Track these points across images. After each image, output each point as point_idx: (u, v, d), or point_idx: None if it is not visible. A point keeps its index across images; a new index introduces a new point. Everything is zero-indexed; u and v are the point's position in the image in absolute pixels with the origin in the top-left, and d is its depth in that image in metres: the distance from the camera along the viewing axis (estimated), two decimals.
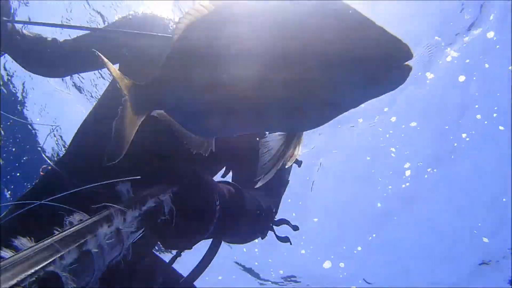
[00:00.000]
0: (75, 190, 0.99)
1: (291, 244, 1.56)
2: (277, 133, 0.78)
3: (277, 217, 1.60)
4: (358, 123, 7.50)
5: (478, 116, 7.26)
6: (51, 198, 0.85)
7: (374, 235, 9.32)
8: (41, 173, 1.52)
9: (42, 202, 0.87)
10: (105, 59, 0.93)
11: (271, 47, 0.65)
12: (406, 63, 0.62)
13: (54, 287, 0.50)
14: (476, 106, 7.18)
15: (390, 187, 8.53)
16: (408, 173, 8.20)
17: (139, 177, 1.13)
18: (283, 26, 0.65)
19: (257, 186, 0.82)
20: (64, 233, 0.60)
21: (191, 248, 1.37)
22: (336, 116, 0.70)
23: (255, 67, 0.66)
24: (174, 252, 1.71)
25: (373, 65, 0.61)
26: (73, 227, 0.65)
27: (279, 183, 1.67)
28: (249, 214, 1.37)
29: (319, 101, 0.66)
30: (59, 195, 0.90)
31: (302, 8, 0.65)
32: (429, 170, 8.11)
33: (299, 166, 1.77)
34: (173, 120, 0.93)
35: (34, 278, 0.47)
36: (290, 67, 0.64)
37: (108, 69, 0.94)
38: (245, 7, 0.68)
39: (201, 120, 0.84)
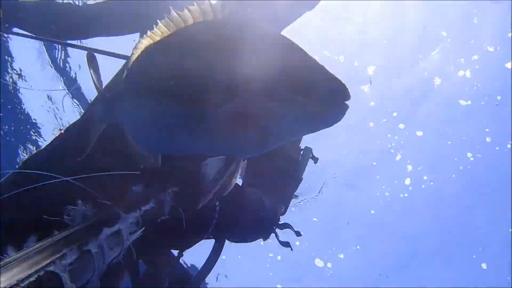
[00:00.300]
0: (78, 177, 1.02)
1: (291, 249, 1.56)
2: (217, 157, 0.80)
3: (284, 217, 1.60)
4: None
5: None
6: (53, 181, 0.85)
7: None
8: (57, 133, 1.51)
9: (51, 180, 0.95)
10: (96, 66, 1.04)
11: (217, 73, 0.68)
12: (344, 102, 0.66)
13: (54, 287, 0.50)
14: None
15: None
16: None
17: (138, 172, 1.14)
18: (232, 53, 0.68)
19: (198, 207, 0.84)
20: (65, 233, 0.61)
21: (191, 247, 1.37)
22: (274, 145, 0.74)
23: (199, 93, 0.69)
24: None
25: (314, 102, 0.65)
26: (73, 227, 0.66)
27: (292, 181, 1.65)
28: (251, 215, 1.37)
29: (259, 130, 0.69)
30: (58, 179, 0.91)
31: (252, 36, 0.69)
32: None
33: (316, 162, 1.73)
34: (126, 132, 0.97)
35: (34, 278, 0.47)
36: (234, 94, 0.66)
37: (93, 73, 1.02)
38: (203, 32, 0.73)
39: (146, 136, 0.88)
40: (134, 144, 0.94)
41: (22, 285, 0.45)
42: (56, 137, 1.49)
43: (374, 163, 8.08)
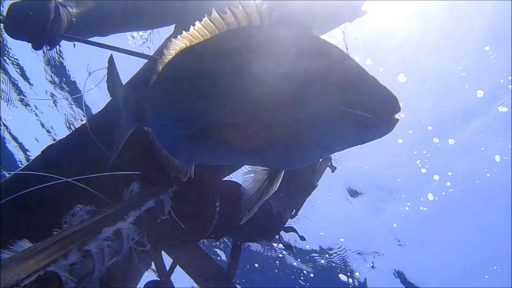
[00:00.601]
0: (80, 178, 1.01)
1: (294, 253, 1.55)
2: (260, 168, 0.77)
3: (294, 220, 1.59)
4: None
5: None
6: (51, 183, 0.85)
7: None
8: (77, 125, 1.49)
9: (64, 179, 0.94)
10: (115, 69, 1.00)
11: (265, 85, 0.65)
12: (394, 116, 0.66)
13: (54, 287, 0.50)
14: None
15: None
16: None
17: (138, 172, 1.14)
18: (283, 63, 0.65)
19: (242, 222, 0.79)
20: (65, 233, 0.61)
21: (189, 247, 1.37)
22: (321, 157, 0.71)
23: (245, 105, 0.66)
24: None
25: (364, 116, 0.64)
26: (74, 227, 0.65)
27: (306, 187, 1.65)
28: (254, 217, 1.36)
29: (310, 143, 0.68)
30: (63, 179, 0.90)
31: (304, 46, 0.66)
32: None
33: (333, 171, 1.73)
34: (156, 140, 0.94)
35: (34, 278, 0.47)
36: (285, 107, 0.64)
37: (111, 75, 1.00)
38: (247, 39, 0.68)
39: (180, 146, 0.84)
40: (165, 153, 0.91)
41: (22, 284, 0.45)
42: (77, 129, 1.48)
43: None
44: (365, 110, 0.64)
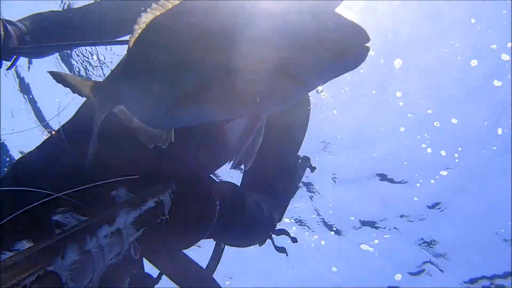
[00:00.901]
0: (75, 190, 0.99)
1: (287, 255, 1.54)
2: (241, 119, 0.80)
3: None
4: None
5: None
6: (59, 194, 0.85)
7: None
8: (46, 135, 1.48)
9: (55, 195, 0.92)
10: (63, 73, 1.01)
11: (237, 37, 0.69)
12: (365, 44, 0.72)
13: (54, 287, 0.49)
14: None
15: None
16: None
17: (136, 176, 1.13)
18: (251, 14, 0.69)
19: (231, 166, 0.82)
20: (65, 233, 0.60)
21: (189, 247, 1.37)
22: (301, 95, 0.78)
23: (220, 53, 0.70)
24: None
25: (338, 46, 0.70)
26: (73, 227, 0.65)
27: (288, 189, 1.64)
28: (249, 218, 1.35)
29: (289, 79, 0.72)
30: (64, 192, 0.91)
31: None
32: None
33: (312, 171, 1.74)
34: (132, 116, 0.96)
35: (34, 278, 0.47)
36: (258, 52, 0.69)
37: (66, 81, 1.00)
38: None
39: (159, 115, 0.86)
40: (142, 125, 0.93)
41: (22, 284, 0.45)
42: (48, 138, 1.46)
43: None
44: (339, 42, 0.70)
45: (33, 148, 1.46)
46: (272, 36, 0.68)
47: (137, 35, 0.83)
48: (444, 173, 7.72)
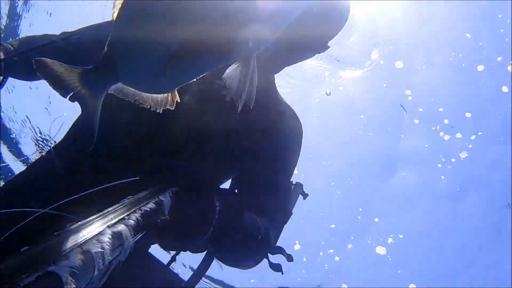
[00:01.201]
0: (83, 194, 0.99)
1: (282, 274, 1.52)
2: (233, 65, 0.85)
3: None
4: None
5: None
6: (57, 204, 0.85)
7: None
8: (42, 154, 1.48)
9: (43, 211, 0.88)
10: (48, 60, 0.92)
11: None
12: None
13: (54, 287, 0.49)
14: None
15: None
16: None
17: (137, 178, 1.13)
18: None
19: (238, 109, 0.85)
20: (65, 233, 0.60)
21: (189, 249, 1.36)
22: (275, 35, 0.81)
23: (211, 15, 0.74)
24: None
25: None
26: (74, 227, 0.65)
27: (283, 214, 1.63)
28: (246, 229, 1.35)
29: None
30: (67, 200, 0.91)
31: None
32: None
33: (304, 198, 1.75)
34: (131, 89, 0.95)
35: (34, 278, 0.46)
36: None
37: (50, 71, 0.92)
38: None
39: (159, 79, 0.87)
40: (145, 94, 0.93)
41: (21, 285, 0.44)
42: (38, 159, 1.46)
43: None
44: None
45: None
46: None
47: (119, 6, 0.81)
48: None
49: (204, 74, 0.89)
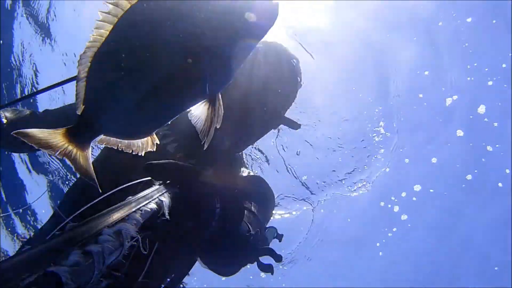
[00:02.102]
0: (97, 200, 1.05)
1: (272, 274, 1.50)
2: (198, 104, 0.93)
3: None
4: None
5: None
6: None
7: None
8: None
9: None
10: (27, 130, 0.97)
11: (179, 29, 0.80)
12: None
13: (54, 287, 0.49)
14: None
15: None
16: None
17: (149, 178, 1.16)
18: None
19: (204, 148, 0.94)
20: (66, 233, 0.60)
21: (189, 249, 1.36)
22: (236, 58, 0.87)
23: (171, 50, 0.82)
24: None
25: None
26: (74, 228, 0.65)
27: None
28: (242, 230, 1.37)
29: (223, 58, 0.84)
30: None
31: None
32: None
33: (280, 241, 1.84)
34: (113, 139, 1.02)
35: (34, 278, 0.47)
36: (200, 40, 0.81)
37: (34, 137, 0.97)
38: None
39: (137, 124, 0.95)
40: (126, 142, 1.00)
41: (22, 285, 0.45)
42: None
43: None
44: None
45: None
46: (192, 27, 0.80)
47: (90, 56, 0.87)
48: None
49: (177, 115, 0.97)
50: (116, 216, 0.80)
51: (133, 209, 0.88)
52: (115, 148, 1.03)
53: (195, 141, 1.01)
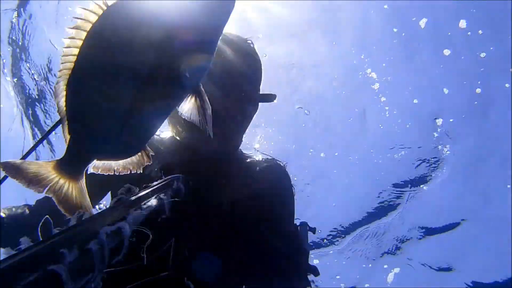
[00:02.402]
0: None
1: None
2: (186, 99, 0.94)
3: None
4: None
5: None
6: None
7: None
8: None
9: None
10: (17, 162, 0.92)
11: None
12: None
13: (54, 286, 0.50)
14: None
15: None
16: None
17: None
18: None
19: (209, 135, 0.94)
20: (66, 232, 0.60)
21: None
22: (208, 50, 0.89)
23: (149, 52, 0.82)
24: None
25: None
26: (74, 226, 0.65)
27: (299, 255, 1.60)
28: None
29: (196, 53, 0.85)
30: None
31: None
32: None
33: (314, 233, 1.81)
34: (108, 163, 0.99)
35: (34, 278, 0.47)
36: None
37: (22, 170, 0.92)
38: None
39: (126, 141, 0.93)
40: (121, 163, 0.99)
41: (22, 284, 0.45)
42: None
43: None
44: None
45: None
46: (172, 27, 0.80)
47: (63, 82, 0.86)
48: None
49: (166, 118, 0.97)
50: (117, 214, 0.80)
51: (134, 207, 0.88)
52: (112, 173, 1.00)
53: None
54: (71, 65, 0.82)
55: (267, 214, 1.52)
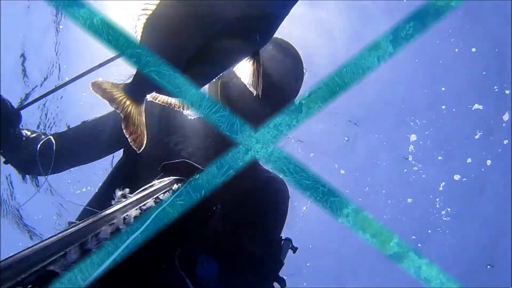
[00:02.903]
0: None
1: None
2: (247, 62, 1.07)
3: None
4: None
5: None
6: None
7: None
8: None
9: None
10: (99, 81, 1.18)
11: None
12: None
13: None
14: None
15: None
16: None
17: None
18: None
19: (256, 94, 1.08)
20: (65, 232, 0.60)
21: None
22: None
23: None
24: None
25: None
26: (74, 226, 0.65)
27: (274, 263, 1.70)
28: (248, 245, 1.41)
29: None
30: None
31: None
32: None
33: (294, 252, 1.85)
34: (162, 96, 1.16)
35: (34, 277, 0.47)
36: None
37: (103, 87, 1.17)
38: None
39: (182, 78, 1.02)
40: (177, 100, 1.16)
41: (22, 284, 0.45)
42: None
43: None
44: None
45: None
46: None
47: (142, 28, 1.01)
48: None
49: (223, 71, 1.12)
50: (116, 214, 0.80)
51: (134, 207, 0.87)
52: (166, 105, 1.17)
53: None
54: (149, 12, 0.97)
55: (259, 219, 1.60)
